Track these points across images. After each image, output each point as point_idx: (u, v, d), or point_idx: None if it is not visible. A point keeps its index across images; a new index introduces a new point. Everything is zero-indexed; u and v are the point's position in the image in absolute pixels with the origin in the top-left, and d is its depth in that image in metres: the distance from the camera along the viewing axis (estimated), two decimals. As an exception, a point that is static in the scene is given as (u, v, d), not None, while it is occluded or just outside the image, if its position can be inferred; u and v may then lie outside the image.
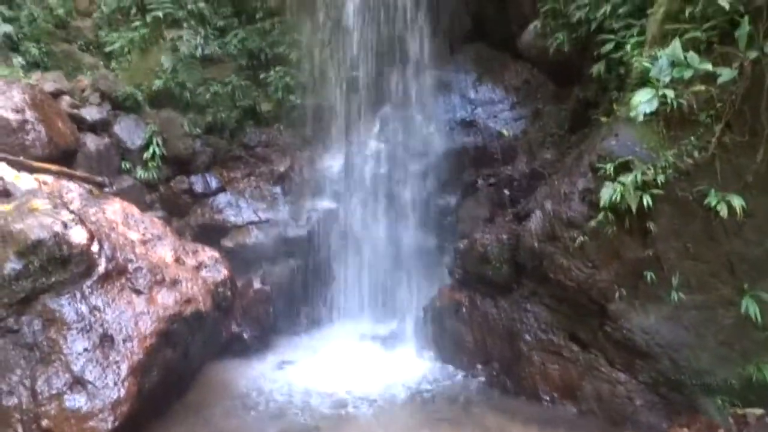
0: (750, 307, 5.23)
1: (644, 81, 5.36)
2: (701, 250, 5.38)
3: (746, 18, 4.86)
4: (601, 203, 5.40)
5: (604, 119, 6.17)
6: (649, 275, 5.48)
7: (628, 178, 5.23)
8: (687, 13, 5.37)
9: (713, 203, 5.05)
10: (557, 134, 7.97)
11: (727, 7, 5.01)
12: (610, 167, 5.40)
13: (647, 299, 5.64)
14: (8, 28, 10.72)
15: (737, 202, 4.94)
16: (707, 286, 5.44)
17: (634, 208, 5.23)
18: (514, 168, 8.28)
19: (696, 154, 5.17)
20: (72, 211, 5.87)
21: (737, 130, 5.10)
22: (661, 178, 5.17)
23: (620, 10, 6.30)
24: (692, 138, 5.20)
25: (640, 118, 5.06)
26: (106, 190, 8.63)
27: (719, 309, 5.44)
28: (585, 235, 5.75)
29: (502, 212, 7.63)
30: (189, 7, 10.69)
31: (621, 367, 5.90)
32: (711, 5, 5.21)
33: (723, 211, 4.98)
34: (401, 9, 9.40)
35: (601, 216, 5.48)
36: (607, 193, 5.35)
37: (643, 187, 5.21)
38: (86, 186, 7.11)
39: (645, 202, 5.19)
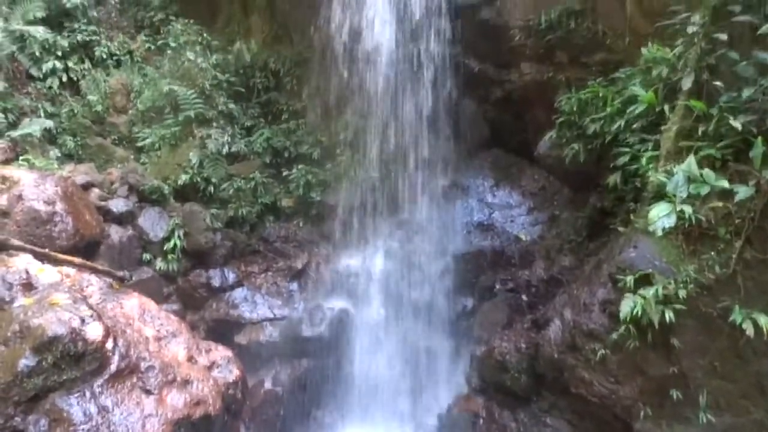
0: (785, 433, 4.96)
1: (661, 195, 5.44)
2: (729, 369, 5.20)
3: (759, 138, 4.99)
4: (622, 316, 5.30)
5: (621, 229, 6.20)
6: (675, 393, 5.28)
7: (649, 292, 5.17)
8: (700, 131, 5.54)
9: (738, 321, 4.94)
10: (575, 241, 8.01)
11: (739, 127, 5.17)
12: (630, 279, 5.36)
13: (674, 419, 5.39)
14: (49, 124, 11.34)
15: (764, 321, 4.83)
16: (738, 408, 5.20)
17: (656, 323, 5.13)
18: (531, 273, 8.26)
19: (717, 269, 5.12)
20: (90, 306, 5.91)
21: (758, 247, 5.08)
22: (682, 293, 5.10)
23: (634, 125, 6.49)
24: (712, 253, 5.18)
25: (659, 232, 5.09)
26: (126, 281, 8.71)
27: (752, 433, 5.17)
28: (606, 348, 5.61)
29: (521, 318, 7.52)
30: (220, 107, 11.28)
31: (649, 491, 5.54)
32: (723, 125, 5.39)
33: (749, 329, 4.86)
34: (421, 113, 9.81)
35: (622, 329, 5.37)
36: (628, 305, 5.27)
37: (665, 301, 5.14)
38: (107, 279, 7.19)
39: (667, 317, 5.09)
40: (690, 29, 5.77)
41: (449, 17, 9.49)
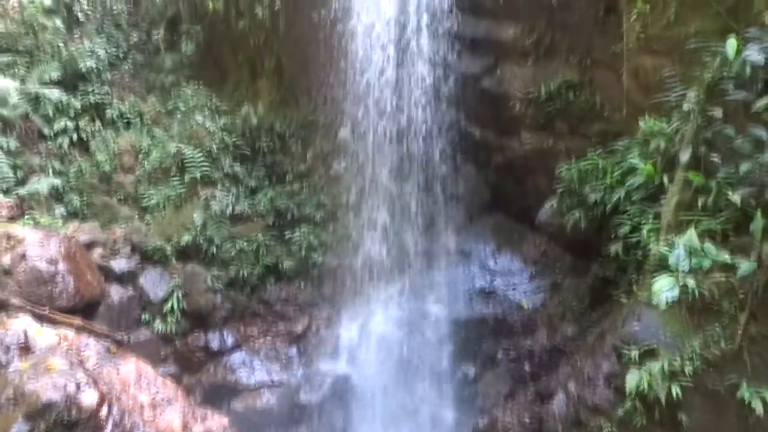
0: None
1: (663, 267, 5.44)
2: (739, 449, 5.05)
3: (759, 212, 5.03)
4: (628, 390, 5.21)
5: (624, 300, 6.18)
6: (685, 473, 5.10)
7: (655, 367, 5.10)
8: (699, 204, 5.60)
9: (746, 398, 4.83)
10: (577, 310, 7.95)
11: (738, 201, 5.23)
12: (634, 353, 5.30)
13: (685, 500, 5.18)
14: (57, 182, 11.52)
15: (772, 399, 4.73)
16: (749, 489, 5.01)
17: (663, 399, 5.02)
18: (534, 341, 8.15)
19: (723, 344, 5.06)
20: (87, 371, 5.84)
21: (763, 322, 5.04)
22: (689, 369, 5.02)
23: (634, 196, 6.58)
24: (717, 327, 5.14)
25: (663, 306, 5.05)
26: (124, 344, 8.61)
27: None
28: (612, 424, 5.47)
29: (524, 389, 7.36)
30: (225, 169, 11.46)
31: None
32: (722, 198, 5.45)
33: (758, 407, 4.76)
34: (423, 177, 9.95)
35: (628, 404, 5.26)
36: (633, 380, 5.18)
37: (671, 376, 5.05)
38: (105, 342, 7.12)
39: (674, 393, 4.99)
40: (686, 105, 5.94)
41: (451, 86, 9.77)
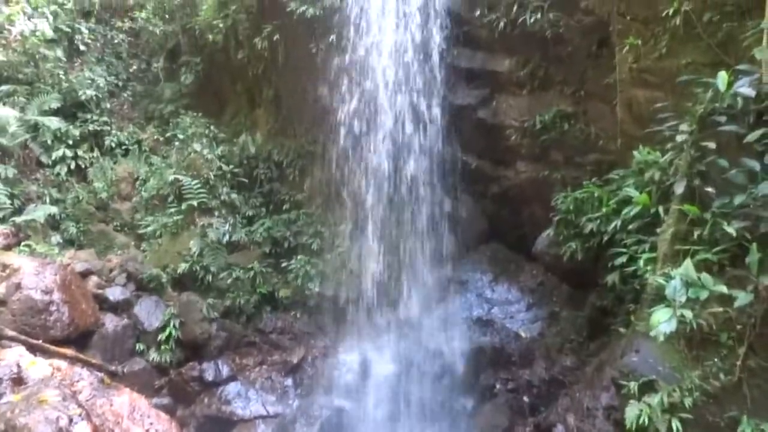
0: None
1: (660, 298, 5.43)
2: (741, 484, 4.96)
3: (754, 245, 5.05)
4: (628, 424, 5.13)
5: (623, 330, 6.15)
6: None
7: (654, 399, 5.05)
8: (695, 235, 5.61)
9: (747, 432, 4.79)
10: (575, 340, 7.91)
11: (734, 233, 5.25)
12: (633, 386, 5.25)
13: None
14: (54, 210, 11.52)
15: (773, 433, 4.68)
16: None
17: (663, 433, 4.96)
18: (532, 373, 8.08)
19: (722, 377, 5.03)
20: (80, 404, 5.75)
21: (762, 354, 5.02)
22: (688, 401, 4.97)
23: (630, 226, 6.59)
24: (716, 359, 5.11)
25: (661, 338, 5.02)
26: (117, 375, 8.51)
27: None
28: (613, 459, 5.40)
29: (522, 422, 7.28)
30: (222, 197, 11.50)
31: None
32: (718, 229, 5.47)
33: (759, 442, 4.70)
34: (419, 206, 9.98)
35: (628, 438, 5.19)
36: (633, 413, 5.12)
37: (671, 409, 5.00)
38: (98, 374, 7.03)
39: (674, 427, 4.93)
40: (679, 137, 5.99)
41: (448, 116, 9.89)
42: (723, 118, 5.60)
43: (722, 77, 5.40)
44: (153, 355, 9.43)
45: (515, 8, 8.61)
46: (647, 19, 7.18)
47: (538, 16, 8.35)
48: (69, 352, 7.47)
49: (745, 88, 5.30)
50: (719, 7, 6.45)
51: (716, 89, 5.46)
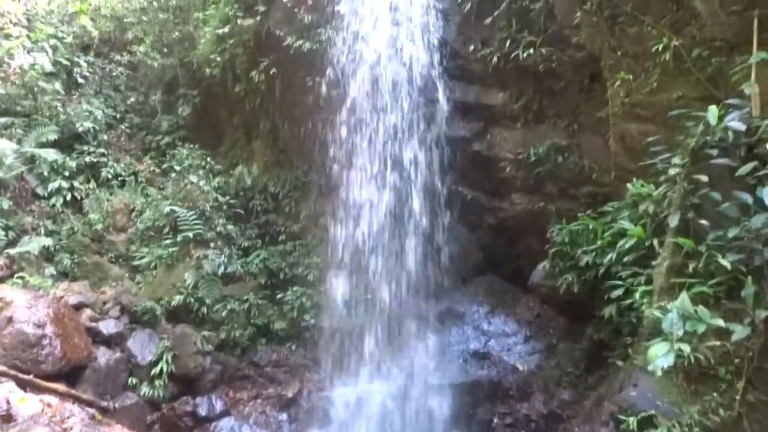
0: None
1: (657, 331, 5.40)
2: None
3: (749, 278, 5.06)
4: (629, 461, 5.07)
5: (621, 364, 6.12)
6: None
7: (654, 436, 4.99)
8: (690, 268, 5.63)
9: (748, 469, 4.72)
10: (573, 373, 7.84)
11: (728, 266, 5.26)
12: (633, 421, 5.18)
13: None
14: (48, 242, 11.48)
15: (775, 470, 4.62)
16: None
17: (663, 470, 4.89)
18: (530, 407, 7.97)
19: (721, 411, 4.98)
20: (69, 442, 5.62)
21: (761, 388, 4.98)
22: (689, 437, 4.92)
23: (625, 259, 6.59)
24: (715, 394, 5.07)
25: (659, 372, 4.98)
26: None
27: None
28: (614, 497, 5.30)
29: (521, 458, 7.16)
30: (218, 228, 11.49)
31: None
32: (713, 262, 5.49)
33: (761, 480, 4.64)
34: (415, 238, 9.98)
35: (630, 476, 5.11)
36: (633, 449, 5.06)
37: (672, 446, 4.94)
38: (89, 409, 6.91)
39: (675, 464, 4.87)
40: (672, 170, 6.06)
41: (443, 148, 9.98)
42: (715, 152, 5.67)
43: (713, 111, 5.49)
44: (145, 390, 9.27)
45: (508, 43, 8.77)
46: (637, 54, 7.33)
47: (531, 51, 8.49)
48: (60, 387, 7.35)
49: (735, 122, 5.39)
50: (708, 43, 6.60)
51: (707, 123, 5.55)
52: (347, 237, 10.17)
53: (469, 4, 9.31)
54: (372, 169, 9.88)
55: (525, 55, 8.55)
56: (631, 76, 7.31)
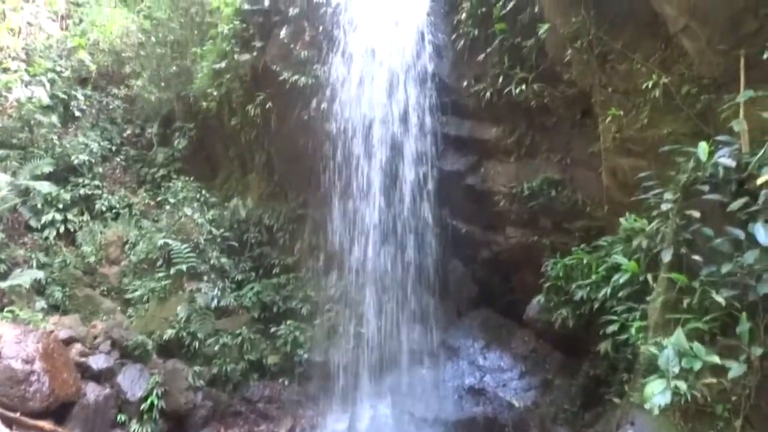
0: None
1: (653, 367, 5.36)
2: None
3: (744, 315, 5.04)
4: (627, 503, 4.96)
5: (617, 401, 6.03)
6: None
7: (651, 476, 4.89)
8: (685, 304, 5.61)
9: None
10: (570, 410, 7.72)
11: (723, 302, 5.24)
12: (630, 461, 5.10)
13: None
14: (40, 275, 11.37)
15: None
16: None
17: None
18: (527, 445, 7.86)
19: (720, 451, 4.91)
20: (54, 484, 5.47)
21: (759, 427, 4.92)
22: (687, 478, 4.82)
23: (620, 293, 6.57)
24: (712, 432, 5.00)
25: (656, 410, 4.93)
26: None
27: None
28: None
29: (518, 499, 7.00)
30: (212, 261, 11.42)
31: None
32: (707, 298, 5.47)
33: None
34: (410, 272, 9.95)
35: None
36: (632, 491, 4.95)
37: (670, 487, 4.84)
38: (75, 449, 6.73)
39: (675, 505, 4.76)
40: (664, 205, 6.09)
41: (437, 182, 10.03)
42: (706, 187, 5.70)
43: (703, 148, 5.55)
44: (135, 427, 9.09)
45: (501, 79, 8.90)
46: (628, 91, 7.44)
47: (523, 87, 8.62)
48: (47, 425, 7.19)
49: (725, 158, 5.44)
50: (696, 81, 6.71)
51: (698, 159, 5.60)
52: (339, 271, 10.13)
53: (462, 41, 9.49)
54: (367, 202, 9.90)
55: (517, 90, 8.67)
56: (622, 112, 7.41)
